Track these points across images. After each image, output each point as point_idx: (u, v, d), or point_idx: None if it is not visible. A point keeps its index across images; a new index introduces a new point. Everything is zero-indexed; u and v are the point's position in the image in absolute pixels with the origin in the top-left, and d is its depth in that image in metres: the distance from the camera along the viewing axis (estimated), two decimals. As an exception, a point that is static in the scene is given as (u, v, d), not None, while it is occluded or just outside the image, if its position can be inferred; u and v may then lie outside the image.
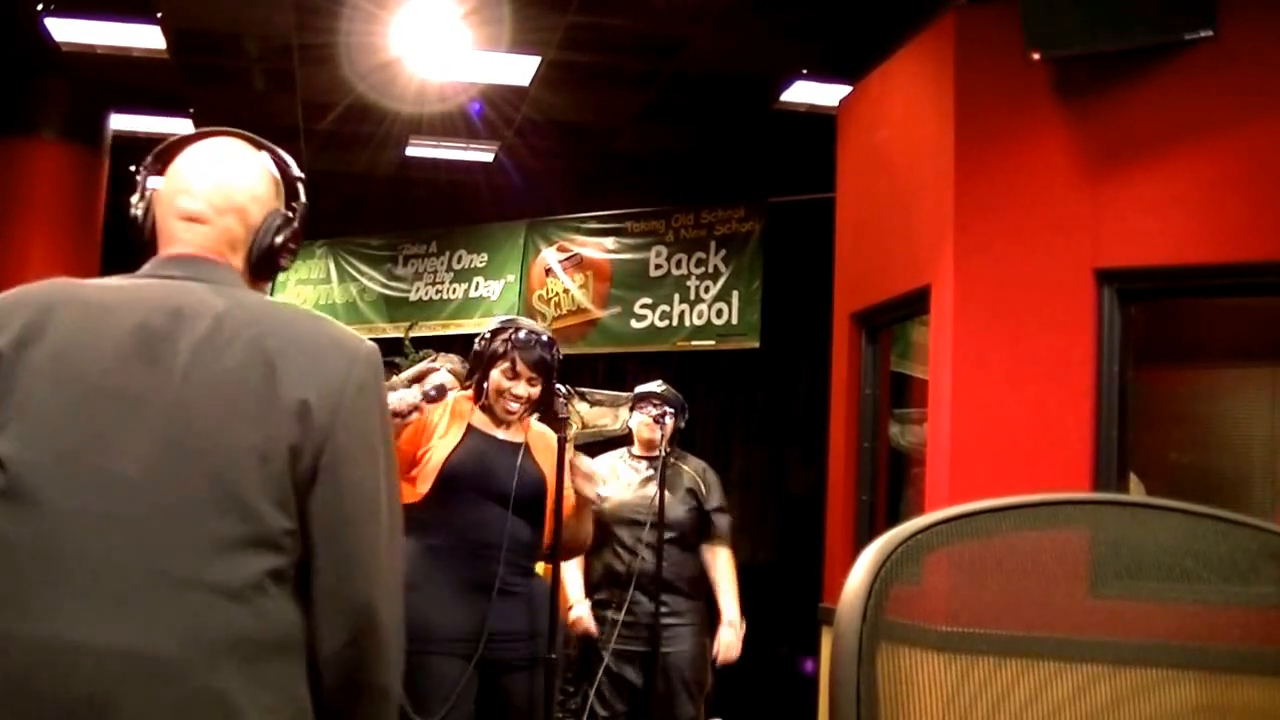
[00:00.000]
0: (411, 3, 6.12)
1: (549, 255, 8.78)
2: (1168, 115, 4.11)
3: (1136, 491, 4.22)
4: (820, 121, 6.37)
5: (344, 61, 6.90)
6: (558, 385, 3.52)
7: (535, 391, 3.45)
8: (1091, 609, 1.25)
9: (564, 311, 8.63)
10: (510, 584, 3.35)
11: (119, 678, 1.47)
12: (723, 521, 4.62)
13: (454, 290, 9.23)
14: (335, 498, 1.60)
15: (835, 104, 5.87)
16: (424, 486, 3.31)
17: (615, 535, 4.41)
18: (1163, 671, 1.21)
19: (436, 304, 9.26)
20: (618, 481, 4.51)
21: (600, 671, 4.31)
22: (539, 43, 6.60)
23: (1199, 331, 5.06)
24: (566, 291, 8.64)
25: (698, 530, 4.56)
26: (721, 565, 4.58)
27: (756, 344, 7.80)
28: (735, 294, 7.93)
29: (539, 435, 3.57)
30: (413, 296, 9.39)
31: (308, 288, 9.77)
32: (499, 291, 8.97)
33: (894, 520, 4.49)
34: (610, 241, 8.54)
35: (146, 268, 1.72)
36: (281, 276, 9.93)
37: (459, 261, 9.27)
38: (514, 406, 3.44)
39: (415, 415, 3.22)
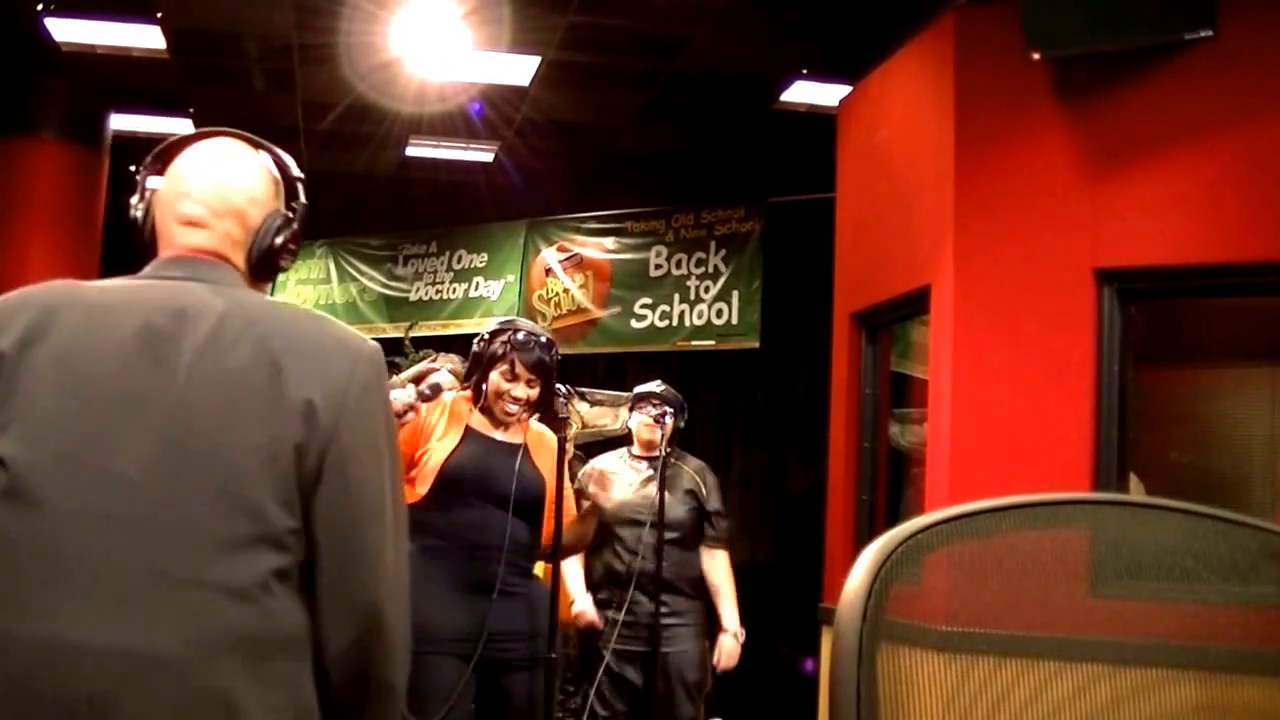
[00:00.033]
0: (411, 3, 6.12)
1: (549, 255, 8.79)
2: (1168, 115, 4.11)
3: (1136, 491, 4.22)
4: (820, 121, 6.37)
5: (344, 61, 6.90)
6: (558, 385, 3.52)
7: (534, 393, 3.45)
8: (1091, 609, 1.25)
9: (564, 311, 8.63)
10: (509, 584, 3.35)
11: (119, 677, 1.47)
12: (721, 524, 4.63)
13: (454, 290, 9.23)
14: (341, 497, 1.60)
15: (835, 104, 5.87)
16: (422, 488, 3.31)
17: (616, 535, 4.41)
18: (1163, 671, 1.21)
19: (436, 304, 9.27)
20: (618, 481, 4.51)
21: (600, 671, 4.31)
22: (539, 43, 6.60)
23: (1199, 331, 5.06)
24: (566, 291, 8.64)
25: (698, 530, 4.56)
26: (720, 570, 4.59)
27: (756, 344, 7.80)
28: (735, 294, 7.93)
29: (538, 436, 3.57)
30: (413, 296, 9.39)
31: (308, 288, 9.78)
32: (499, 291, 8.98)
33: (894, 520, 4.49)
34: (610, 241, 8.54)
35: (148, 269, 1.73)
36: (281, 276, 9.89)
37: (459, 261, 9.27)
38: (513, 408, 3.44)
39: (411, 415, 3.22)
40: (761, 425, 8.12)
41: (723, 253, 8.05)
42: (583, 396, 6.79)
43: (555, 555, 3.61)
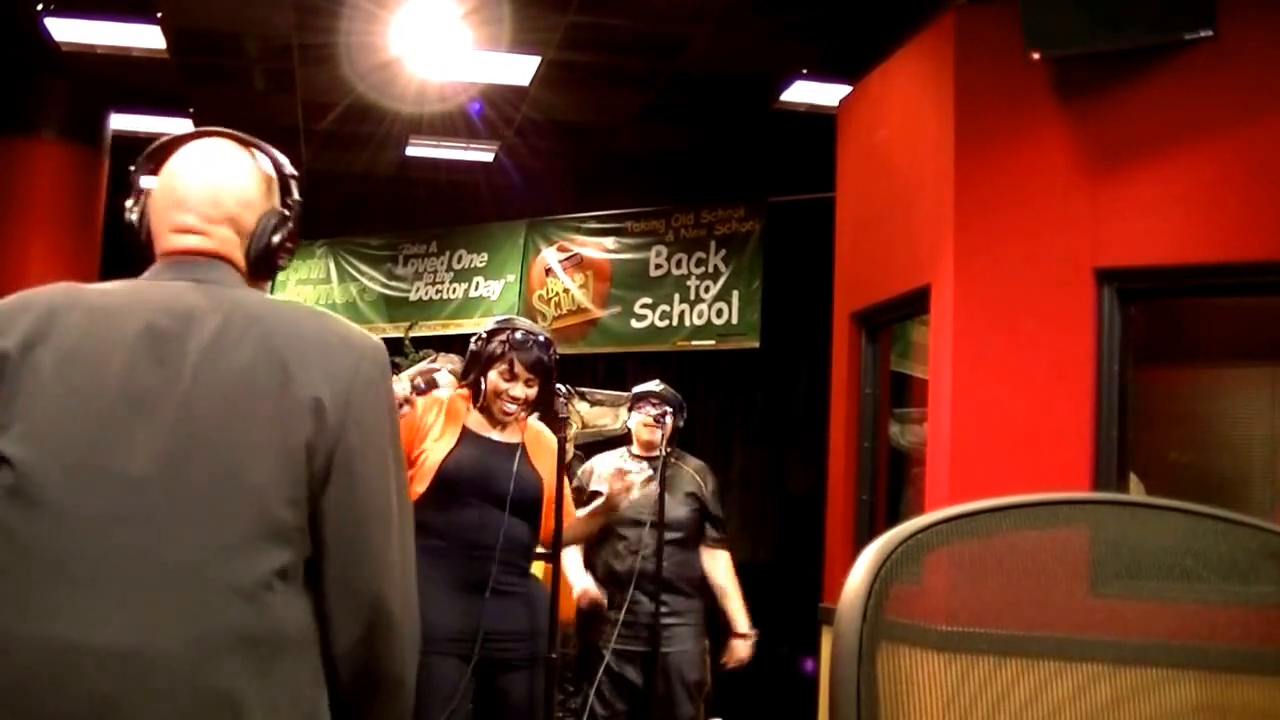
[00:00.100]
0: (411, 3, 6.12)
1: (549, 255, 8.79)
2: (1168, 115, 4.11)
3: (1136, 491, 4.22)
4: (820, 121, 6.37)
5: (344, 61, 6.90)
6: (558, 385, 3.52)
7: (532, 393, 3.44)
8: (1091, 608, 1.25)
9: (564, 311, 8.63)
10: (507, 584, 3.35)
11: (119, 677, 1.47)
12: (721, 525, 4.64)
13: (454, 290, 9.23)
14: (348, 494, 1.61)
15: (835, 104, 5.87)
16: (420, 487, 3.31)
17: (616, 535, 4.41)
18: (1163, 671, 1.21)
19: (436, 304, 9.27)
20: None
21: (600, 671, 4.31)
22: (539, 43, 6.60)
23: (1199, 331, 5.06)
24: (566, 291, 8.64)
25: (698, 530, 4.56)
26: (724, 571, 4.61)
27: (756, 344, 7.80)
28: (735, 294, 7.93)
29: (536, 435, 3.57)
30: (413, 296, 9.39)
31: (308, 288, 9.77)
32: (499, 291, 8.98)
33: (894, 520, 4.49)
34: (610, 241, 8.54)
35: (148, 272, 1.73)
36: (281, 276, 9.92)
37: (459, 261, 9.27)
38: (511, 408, 3.43)
39: (406, 408, 3.23)
40: (761, 425, 8.12)
41: (723, 253, 8.05)
42: (583, 396, 6.79)
43: (555, 556, 3.61)
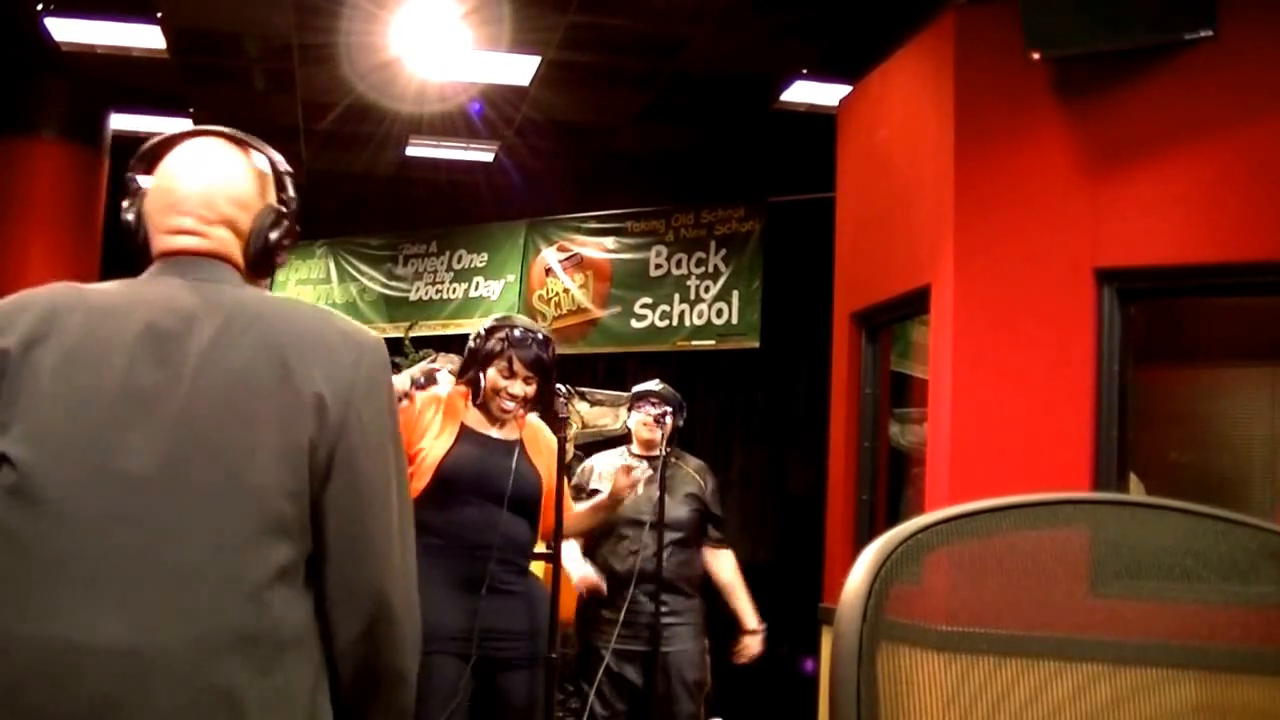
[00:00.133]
0: (411, 3, 6.12)
1: (549, 255, 8.78)
2: (1168, 115, 4.11)
3: (1136, 491, 4.22)
4: (820, 121, 6.37)
5: (344, 61, 6.90)
6: (558, 385, 3.52)
7: (531, 390, 3.44)
8: (1091, 608, 1.25)
9: (564, 311, 8.63)
10: (506, 582, 3.35)
11: (120, 677, 1.47)
12: (721, 527, 4.65)
13: (454, 290, 9.23)
14: (350, 490, 1.61)
15: (835, 104, 5.87)
16: (419, 484, 3.30)
17: (616, 535, 4.41)
18: (1163, 671, 1.21)
19: (436, 304, 9.27)
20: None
21: (600, 671, 4.31)
22: (539, 43, 6.60)
23: (1199, 331, 5.06)
24: (566, 291, 8.64)
25: (699, 530, 4.56)
26: (730, 569, 4.62)
27: (756, 344, 7.80)
28: (735, 294, 7.93)
29: (534, 432, 3.56)
30: (413, 296, 9.39)
31: (308, 288, 9.78)
32: (499, 291, 8.98)
33: (894, 520, 4.49)
34: (610, 241, 8.54)
35: (148, 272, 1.73)
36: (281, 276, 9.93)
37: (459, 261, 9.27)
38: (509, 405, 3.43)
39: (405, 403, 3.23)
40: (761, 425, 8.11)
41: (723, 252, 8.05)
42: (583, 396, 6.79)
43: (556, 556, 3.61)
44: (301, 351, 1.62)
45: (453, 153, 8.66)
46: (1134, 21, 4.00)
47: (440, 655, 3.19)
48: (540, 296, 8.78)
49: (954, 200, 4.38)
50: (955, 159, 4.40)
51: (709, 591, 4.64)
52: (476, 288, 9.12)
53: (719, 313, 7.99)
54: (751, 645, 4.57)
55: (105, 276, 1.75)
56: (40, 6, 6.30)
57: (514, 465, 3.37)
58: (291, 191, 1.83)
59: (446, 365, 3.85)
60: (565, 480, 3.65)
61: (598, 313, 8.47)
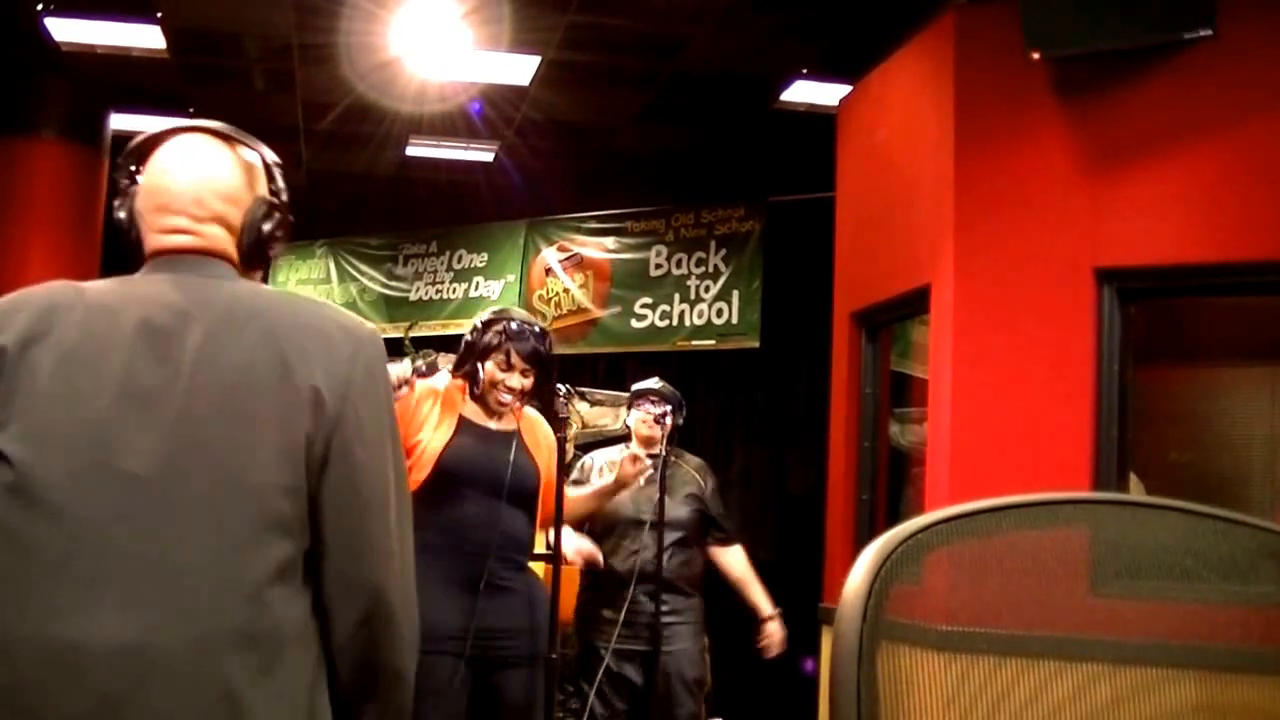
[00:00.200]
0: (411, 3, 6.12)
1: (549, 255, 8.79)
2: (1167, 115, 4.11)
3: (1136, 491, 4.22)
4: (820, 121, 6.37)
5: (344, 61, 6.90)
6: (558, 385, 3.52)
7: (529, 383, 3.44)
8: (1091, 608, 1.25)
9: (564, 311, 8.63)
10: (504, 579, 3.34)
11: (121, 677, 1.47)
12: (726, 522, 4.64)
13: (454, 290, 9.23)
14: (346, 482, 1.61)
15: (835, 104, 5.87)
16: (419, 476, 3.30)
17: (616, 535, 4.41)
18: (1163, 671, 1.21)
19: (436, 304, 9.27)
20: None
21: (600, 671, 4.31)
22: (539, 42, 6.60)
23: (1199, 331, 5.06)
24: (566, 291, 8.64)
25: (700, 528, 4.56)
26: (740, 563, 4.62)
27: (756, 344, 7.80)
28: (735, 294, 7.93)
29: (531, 423, 3.57)
30: (413, 296, 9.39)
31: (308, 288, 9.78)
32: (499, 291, 8.98)
33: (894, 520, 4.49)
34: (610, 241, 8.54)
35: (141, 271, 1.73)
36: (282, 276, 9.94)
37: (459, 261, 9.27)
38: (507, 398, 3.43)
39: (404, 390, 3.23)
40: (761, 425, 8.11)
41: (723, 252, 8.05)
42: (583, 396, 6.78)
43: (556, 557, 3.61)
44: (299, 346, 1.61)
45: (453, 153, 8.66)
46: (1134, 21, 4.01)
47: (440, 655, 3.19)
48: (540, 296, 8.78)
49: (954, 200, 4.38)
50: (955, 159, 4.40)
51: (709, 591, 4.64)
52: (476, 288, 9.12)
53: (719, 313, 7.99)
54: (774, 632, 4.53)
55: (105, 276, 1.75)
56: (40, 6, 6.30)
57: (511, 457, 3.37)
58: (281, 182, 1.82)
59: (446, 366, 3.85)
60: (564, 478, 3.65)
61: (598, 313, 8.47)
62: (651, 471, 4.28)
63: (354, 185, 9.39)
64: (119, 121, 7.89)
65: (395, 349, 7.44)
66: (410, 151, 8.64)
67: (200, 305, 1.63)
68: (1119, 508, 1.36)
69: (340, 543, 1.61)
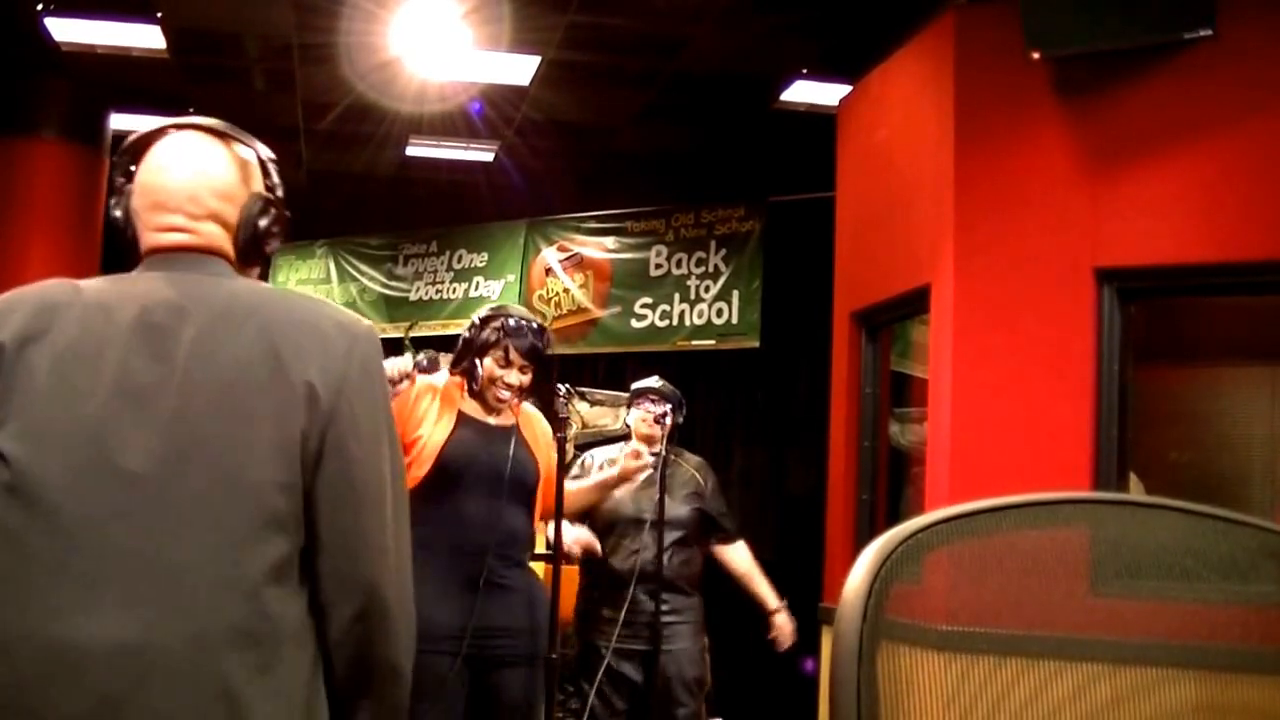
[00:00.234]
0: (411, 3, 6.12)
1: (549, 255, 8.79)
2: (1167, 115, 4.11)
3: (1136, 491, 4.22)
4: (820, 121, 6.37)
5: (344, 61, 6.90)
6: (558, 385, 3.52)
7: (527, 379, 3.45)
8: (1091, 608, 1.25)
9: (564, 311, 8.63)
10: (503, 577, 3.34)
11: (120, 676, 1.48)
12: (727, 520, 4.64)
13: (454, 290, 9.23)
14: (341, 477, 1.60)
15: (835, 104, 5.87)
16: (419, 471, 3.30)
17: (617, 534, 4.41)
18: (1162, 670, 1.21)
19: (436, 304, 9.27)
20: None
21: (601, 671, 4.31)
22: (539, 42, 6.60)
23: (1199, 330, 5.06)
24: (566, 291, 8.64)
25: (700, 528, 4.56)
26: (744, 558, 4.61)
27: (756, 344, 7.80)
28: (735, 293, 7.93)
29: (529, 418, 3.57)
30: (413, 296, 9.39)
31: (308, 288, 9.77)
32: (499, 291, 8.98)
33: (894, 520, 4.48)
34: (610, 241, 8.54)
35: (137, 269, 1.72)
36: (282, 276, 9.94)
37: (459, 261, 9.28)
38: (505, 394, 3.43)
39: (406, 383, 3.24)
40: (761, 425, 8.11)
41: (723, 252, 8.05)
42: (583, 396, 6.78)
43: (556, 558, 3.61)
44: (294, 342, 1.61)
45: (453, 153, 8.66)
46: (1134, 21, 4.01)
47: (438, 655, 3.18)
48: (540, 296, 8.78)
49: (954, 200, 4.38)
50: (955, 159, 4.40)
51: (709, 591, 4.63)
52: (476, 288, 9.12)
53: (719, 312, 7.99)
54: (783, 624, 4.52)
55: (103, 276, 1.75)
56: (40, 6, 6.30)
57: (511, 451, 3.38)
58: (276, 178, 1.82)
59: (447, 364, 3.85)
60: (564, 476, 3.65)
61: (598, 313, 8.47)
62: (652, 471, 4.28)
63: (354, 185, 9.39)
64: (119, 121, 7.89)
65: (395, 349, 7.44)
66: (410, 151, 8.64)
67: (196, 302, 1.63)
68: (1119, 508, 1.36)
69: (335, 538, 1.60)
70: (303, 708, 1.59)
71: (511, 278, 8.96)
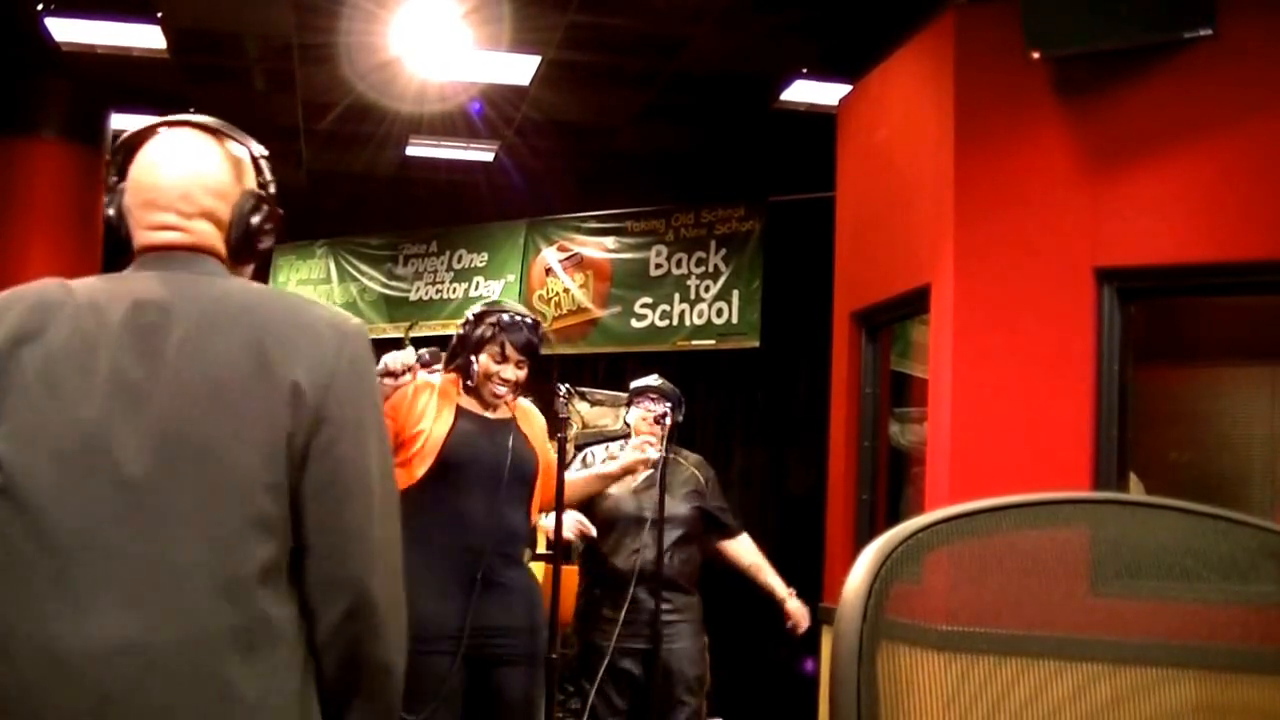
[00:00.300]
0: (411, 3, 6.12)
1: (549, 255, 8.79)
2: (1167, 114, 4.11)
3: (1136, 491, 4.22)
4: (820, 121, 6.37)
5: (344, 61, 6.90)
6: (558, 385, 3.53)
7: (523, 374, 3.46)
8: (1091, 608, 1.25)
9: (564, 311, 8.63)
10: (502, 575, 3.34)
11: (119, 676, 1.48)
12: (728, 515, 4.64)
13: (454, 290, 9.24)
14: (328, 475, 1.60)
15: (835, 103, 5.87)
16: (421, 466, 3.30)
17: (617, 533, 4.40)
18: (1162, 670, 1.21)
19: (436, 304, 9.27)
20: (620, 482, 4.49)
21: (601, 670, 4.31)
22: (539, 42, 6.60)
23: (1199, 330, 5.06)
24: (566, 291, 8.64)
25: (701, 526, 4.56)
26: (751, 552, 4.61)
27: (756, 343, 7.80)
28: (735, 293, 7.93)
29: (525, 412, 3.59)
30: (413, 296, 9.39)
31: (308, 288, 9.78)
32: (499, 291, 8.98)
33: (894, 520, 4.48)
34: (610, 241, 8.54)
35: (129, 268, 1.72)
36: (282, 276, 9.94)
37: (459, 261, 9.28)
38: (501, 390, 3.44)
39: (408, 377, 3.25)
40: (761, 425, 8.11)
41: (723, 252, 8.05)
42: (583, 396, 6.78)
43: (556, 557, 3.61)
44: (283, 341, 1.61)
45: (453, 153, 8.66)
46: (1134, 21, 4.01)
47: (437, 654, 3.18)
48: (540, 296, 8.78)
49: (954, 200, 4.38)
50: (955, 159, 4.40)
51: (708, 590, 4.63)
52: (476, 288, 9.12)
53: (719, 312, 7.99)
54: (796, 610, 4.51)
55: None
56: (40, 6, 6.30)
57: (510, 444, 3.38)
58: (269, 176, 1.81)
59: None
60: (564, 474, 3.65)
61: (598, 312, 8.47)
62: (652, 470, 4.27)
63: (354, 185, 9.39)
64: (119, 121, 7.89)
65: (396, 349, 7.43)
66: (410, 151, 8.64)
67: (186, 302, 1.62)
68: (1119, 508, 1.36)
69: (323, 537, 1.60)
70: (299, 707, 1.59)
71: (511, 278, 8.96)
